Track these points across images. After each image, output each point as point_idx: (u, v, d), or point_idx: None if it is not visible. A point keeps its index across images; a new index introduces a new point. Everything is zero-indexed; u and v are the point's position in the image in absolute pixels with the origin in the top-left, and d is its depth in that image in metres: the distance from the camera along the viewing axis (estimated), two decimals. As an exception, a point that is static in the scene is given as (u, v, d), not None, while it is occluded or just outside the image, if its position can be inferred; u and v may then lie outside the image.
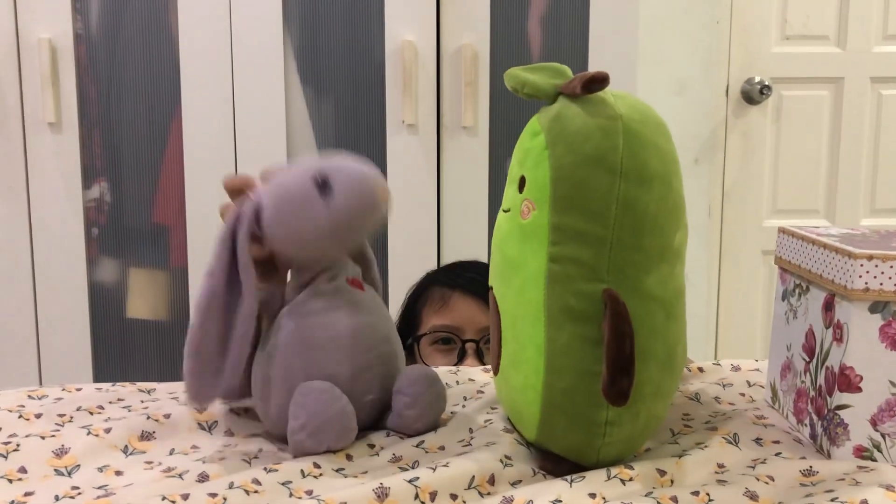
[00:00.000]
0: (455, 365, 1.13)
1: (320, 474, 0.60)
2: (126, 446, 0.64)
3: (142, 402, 0.74)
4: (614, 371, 0.55)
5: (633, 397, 0.56)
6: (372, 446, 0.65)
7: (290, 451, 0.63)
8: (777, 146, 2.32)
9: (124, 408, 0.72)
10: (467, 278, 1.19)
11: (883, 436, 0.61)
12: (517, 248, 0.59)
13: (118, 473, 0.61)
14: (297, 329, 0.64)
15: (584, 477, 0.58)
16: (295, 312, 0.65)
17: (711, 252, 2.31)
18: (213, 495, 0.54)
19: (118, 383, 0.78)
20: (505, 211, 0.63)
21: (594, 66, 1.78)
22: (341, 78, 1.72)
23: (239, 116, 1.66)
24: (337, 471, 0.61)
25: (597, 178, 0.56)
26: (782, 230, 0.73)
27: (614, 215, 0.55)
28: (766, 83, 2.24)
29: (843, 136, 2.31)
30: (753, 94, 2.25)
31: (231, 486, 0.56)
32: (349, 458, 0.63)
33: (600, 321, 0.56)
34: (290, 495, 0.57)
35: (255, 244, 0.64)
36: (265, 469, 0.59)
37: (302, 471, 0.59)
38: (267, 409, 0.66)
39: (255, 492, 0.56)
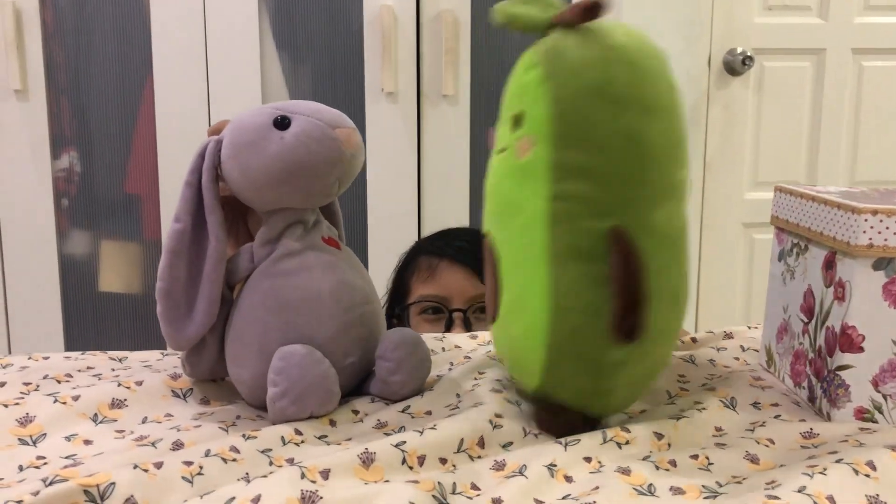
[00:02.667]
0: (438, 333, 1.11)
1: (302, 441, 0.57)
2: (95, 414, 0.61)
3: (112, 370, 0.71)
4: (625, 306, 0.53)
5: (641, 336, 0.54)
6: (356, 412, 0.62)
7: (270, 419, 0.60)
8: (759, 118, 2.30)
9: (94, 376, 0.69)
10: (455, 247, 1.16)
11: (885, 396, 0.59)
12: (515, 188, 0.56)
13: (87, 442, 0.57)
14: (271, 289, 0.61)
15: (580, 440, 0.55)
16: (268, 272, 0.61)
17: (693, 223, 2.30)
18: (189, 463, 0.51)
19: (88, 352, 0.75)
20: (499, 152, 0.59)
21: (577, 34, 1.74)
22: (318, 44, 1.67)
23: (213, 83, 1.61)
24: (319, 437, 0.58)
25: (599, 109, 0.53)
26: (779, 188, 0.71)
27: (619, 148, 0.53)
28: (749, 54, 2.21)
29: (825, 108, 2.30)
30: (736, 66, 2.23)
31: (207, 453, 0.53)
32: (332, 423, 0.60)
33: (606, 259, 0.53)
34: (271, 463, 0.54)
35: (222, 182, 0.62)
36: (243, 436, 0.56)
37: (283, 438, 0.56)
38: (242, 377, 0.62)
39: (233, 460, 0.53)
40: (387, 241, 1.66)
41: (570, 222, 0.54)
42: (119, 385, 0.64)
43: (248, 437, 0.56)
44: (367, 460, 0.52)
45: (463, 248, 1.16)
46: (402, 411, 0.62)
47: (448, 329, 1.12)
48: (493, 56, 1.74)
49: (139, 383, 0.65)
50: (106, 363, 0.72)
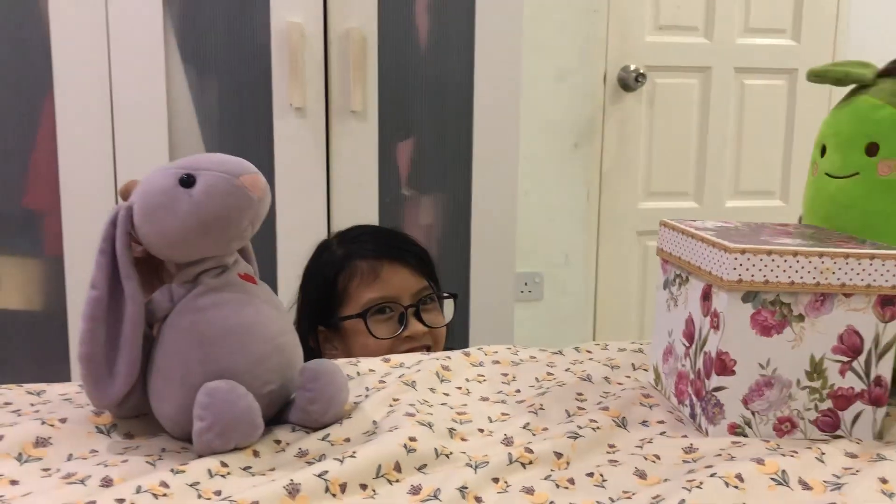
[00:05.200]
0: (400, 333, 1.15)
1: (228, 473, 0.60)
2: (20, 454, 0.62)
3: (31, 405, 0.72)
4: None
5: None
6: (278, 442, 0.66)
7: (196, 451, 0.63)
8: (651, 132, 2.43)
9: (13, 412, 0.70)
10: (392, 247, 1.20)
11: (753, 413, 0.67)
12: (883, 200, 0.73)
13: (13, 483, 0.59)
14: (191, 325, 0.64)
15: (488, 463, 0.61)
16: (187, 309, 0.65)
17: (590, 233, 2.41)
18: (121, 501, 0.54)
19: (2, 386, 0.75)
20: (844, 177, 0.75)
21: (480, 54, 1.81)
22: (226, 58, 1.68)
23: (116, 97, 1.59)
24: (244, 469, 0.61)
25: None
26: (664, 223, 0.78)
27: None
28: (641, 71, 2.34)
29: (711, 123, 2.46)
30: (629, 82, 2.35)
31: (138, 490, 0.55)
32: (256, 454, 0.63)
33: None
34: (199, 497, 0.57)
35: (136, 245, 0.64)
36: (172, 470, 0.58)
37: (209, 470, 0.59)
38: (166, 411, 0.65)
39: (164, 495, 0.56)
40: (296, 255, 1.67)
41: None
42: (42, 423, 0.65)
43: (177, 472, 0.58)
44: (293, 491, 0.56)
45: (398, 246, 1.20)
46: (323, 439, 0.66)
47: (405, 326, 1.15)
48: (400, 73, 1.79)
49: (63, 420, 0.66)
50: (23, 398, 0.73)
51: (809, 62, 2.46)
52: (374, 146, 1.74)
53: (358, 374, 0.82)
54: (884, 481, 0.58)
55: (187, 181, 0.62)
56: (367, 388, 0.78)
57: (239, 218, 0.63)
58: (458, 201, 1.90)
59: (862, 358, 0.67)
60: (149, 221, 0.63)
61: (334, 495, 0.57)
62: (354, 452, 0.61)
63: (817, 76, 0.79)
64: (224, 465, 0.60)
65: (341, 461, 0.60)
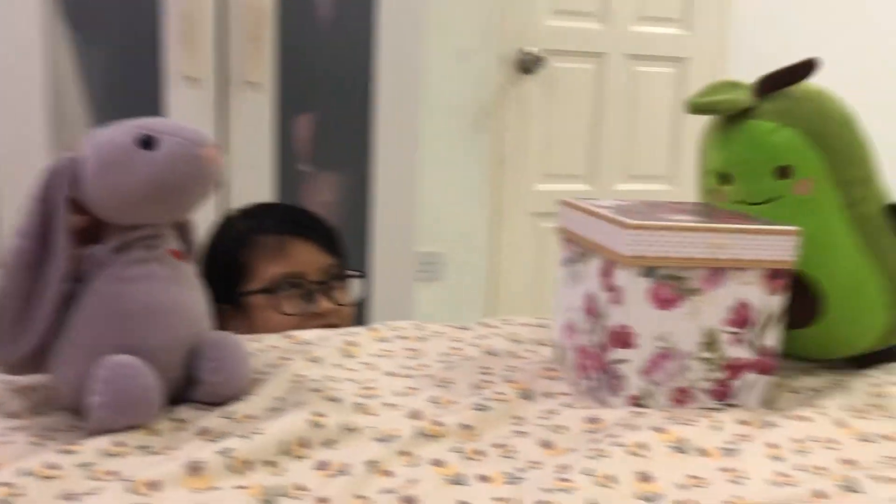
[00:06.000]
0: (308, 308, 1.12)
1: (125, 452, 0.57)
2: None
3: None
4: None
5: None
6: (179, 420, 0.63)
7: (89, 428, 0.60)
8: (548, 114, 2.48)
9: None
10: (298, 222, 1.17)
11: (652, 384, 0.69)
12: (810, 219, 0.74)
13: None
14: (113, 296, 0.61)
15: (397, 437, 0.61)
16: (113, 277, 0.62)
17: (489, 214, 2.44)
18: (7, 485, 0.51)
19: None
20: (762, 202, 0.76)
21: (382, 31, 1.79)
22: (114, 24, 1.59)
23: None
24: (142, 448, 0.58)
25: (847, 133, 0.75)
26: (565, 202, 0.80)
27: (867, 152, 0.76)
28: (539, 55, 2.37)
29: (605, 108, 2.52)
30: (528, 64, 2.38)
31: (24, 472, 0.52)
32: (155, 433, 0.61)
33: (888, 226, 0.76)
34: (93, 478, 0.54)
35: (76, 213, 0.61)
36: (62, 451, 0.55)
37: (103, 450, 0.57)
38: (65, 375, 0.62)
39: (54, 477, 0.53)
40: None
41: (864, 218, 0.75)
42: (-85, 404, 0.60)
43: (67, 452, 0.55)
44: (195, 469, 0.54)
45: (305, 222, 1.17)
46: (225, 417, 0.64)
47: (312, 302, 1.13)
48: (300, 45, 1.75)
49: (-62, 401, 0.62)
50: None
51: (700, 52, 2.56)
52: (272, 118, 1.70)
53: (260, 351, 0.80)
54: (772, 446, 0.61)
55: (147, 142, 0.59)
56: (271, 365, 0.76)
57: (194, 189, 0.62)
58: (358, 179, 1.89)
59: (751, 329, 0.70)
60: (101, 176, 0.60)
61: (239, 473, 0.56)
62: (260, 429, 0.60)
63: (702, 110, 0.77)
64: (120, 444, 0.58)
65: (246, 437, 0.58)
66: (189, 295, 0.65)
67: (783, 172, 0.75)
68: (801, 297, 0.75)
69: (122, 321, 0.61)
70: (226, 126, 1.67)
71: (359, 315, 1.29)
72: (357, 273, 1.22)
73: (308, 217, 1.21)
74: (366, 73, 1.82)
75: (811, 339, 0.77)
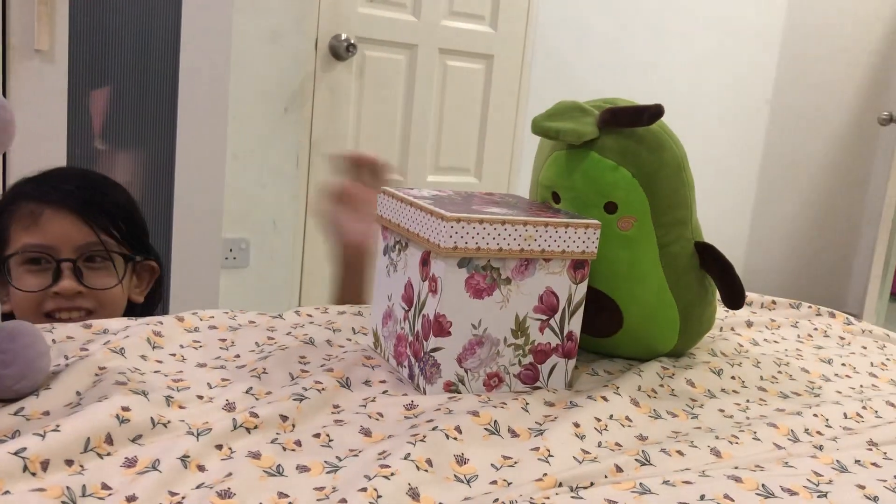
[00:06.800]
0: (49, 287, 1.03)
1: None
2: None
3: None
4: (729, 283, 0.82)
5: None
6: (-41, 420, 0.57)
7: None
8: (360, 103, 2.47)
9: None
10: (63, 191, 1.07)
11: (466, 371, 0.72)
12: (625, 252, 0.79)
13: None
14: None
15: (211, 430, 0.58)
16: None
17: (298, 200, 2.40)
18: None
19: None
20: None
21: (188, 11, 1.70)
22: None
23: None
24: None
25: (674, 180, 0.79)
26: (384, 191, 0.80)
27: (688, 196, 0.81)
28: (352, 41, 2.37)
29: (416, 100, 2.56)
30: (340, 51, 2.37)
31: None
32: (-69, 435, 0.55)
33: (698, 260, 0.82)
34: None
35: None
36: None
37: None
38: None
39: None
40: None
41: (674, 256, 0.80)
42: None
43: None
44: (-16, 473, 0.49)
45: (71, 192, 1.07)
46: (16, 414, 0.59)
47: (56, 280, 1.04)
48: (96, 13, 1.62)
49: None
50: None
51: (505, 49, 2.67)
52: (63, 89, 1.57)
53: (54, 341, 0.74)
54: (576, 425, 0.66)
55: None
56: (67, 357, 0.71)
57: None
58: (161, 159, 1.79)
59: (557, 316, 0.74)
60: None
61: (34, 474, 0.51)
62: (58, 426, 0.55)
63: (547, 135, 0.78)
64: None
65: (42, 436, 0.54)
66: None
67: (609, 207, 0.78)
68: (608, 312, 0.81)
69: None
70: (10, 97, 1.52)
71: (155, 301, 1.21)
72: (126, 255, 1.11)
73: (85, 187, 1.10)
74: (172, 46, 1.72)
75: (613, 345, 0.85)
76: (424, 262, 0.72)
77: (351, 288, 1.13)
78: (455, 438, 0.60)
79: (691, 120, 3.11)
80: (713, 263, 0.83)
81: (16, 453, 0.52)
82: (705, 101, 3.24)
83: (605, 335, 0.83)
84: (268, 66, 2.25)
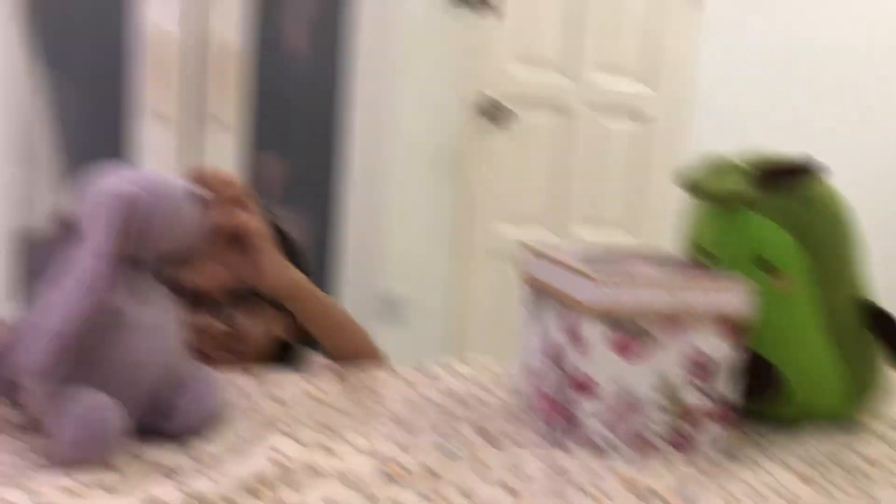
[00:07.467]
0: (193, 322, 1.05)
1: (85, 493, 0.56)
2: None
3: None
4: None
5: None
6: (137, 457, 0.63)
7: (51, 459, 0.59)
8: (514, 162, 2.51)
9: None
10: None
11: (612, 432, 0.70)
12: (785, 314, 0.76)
13: None
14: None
15: (363, 478, 0.60)
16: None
17: (452, 256, 2.45)
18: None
19: None
20: None
21: (357, 76, 1.80)
22: (82, 60, 1.60)
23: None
24: (102, 487, 0.58)
25: (841, 247, 0.78)
26: (526, 247, 0.81)
27: (853, 261, 0.79)
28: (507, 106, 2.42)
29: (569, 159, 2.57)
30: (495, 115, 2.43)
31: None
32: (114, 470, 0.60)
33: (865, 322, 0.79)
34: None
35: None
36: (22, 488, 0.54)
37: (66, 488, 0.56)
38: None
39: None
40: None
41: (835, 313, 0.77)
42: None
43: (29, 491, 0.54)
44: (158, 508, 0.53)
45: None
46: (188, 455, 0.64)
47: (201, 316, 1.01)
48: (270, 84, 1.75)
49: None
50: None
51: (662, 110, 2.62)
52: (241, 159, 1.71)
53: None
54: (735, 497, 0.62)
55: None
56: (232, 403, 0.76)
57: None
58: (323, 221, 1.89)
59: (710, 378, 0.72)
60: (159, 216, 0.65)
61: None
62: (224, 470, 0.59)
63: (703, 196, 0.77)
64: (81, 483, 0.57)
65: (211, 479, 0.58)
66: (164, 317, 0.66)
67: (767, 266, 0.76)
68: (767, 376, 0.77)
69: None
70: (193, 164, 1.67)
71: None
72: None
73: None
74: (335, 116, 1.84)
75: (774, 410, 0.79)
76: (567, 320, 0.72)
77: (314, 329, 0.97)
78: (602, 502, 0.59)
79: (857, 173, 2.90)
80: (882, 323, 0.77)
81: (188, 493, 0.56)
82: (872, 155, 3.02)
83: (765, 399, 0.78)
84: (423, 127, 2.33)
